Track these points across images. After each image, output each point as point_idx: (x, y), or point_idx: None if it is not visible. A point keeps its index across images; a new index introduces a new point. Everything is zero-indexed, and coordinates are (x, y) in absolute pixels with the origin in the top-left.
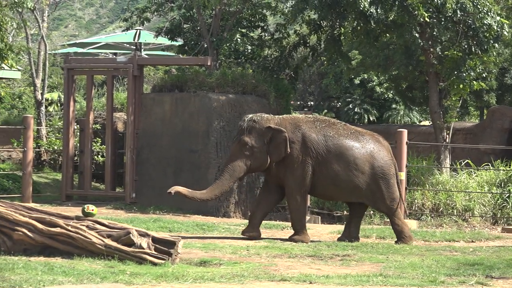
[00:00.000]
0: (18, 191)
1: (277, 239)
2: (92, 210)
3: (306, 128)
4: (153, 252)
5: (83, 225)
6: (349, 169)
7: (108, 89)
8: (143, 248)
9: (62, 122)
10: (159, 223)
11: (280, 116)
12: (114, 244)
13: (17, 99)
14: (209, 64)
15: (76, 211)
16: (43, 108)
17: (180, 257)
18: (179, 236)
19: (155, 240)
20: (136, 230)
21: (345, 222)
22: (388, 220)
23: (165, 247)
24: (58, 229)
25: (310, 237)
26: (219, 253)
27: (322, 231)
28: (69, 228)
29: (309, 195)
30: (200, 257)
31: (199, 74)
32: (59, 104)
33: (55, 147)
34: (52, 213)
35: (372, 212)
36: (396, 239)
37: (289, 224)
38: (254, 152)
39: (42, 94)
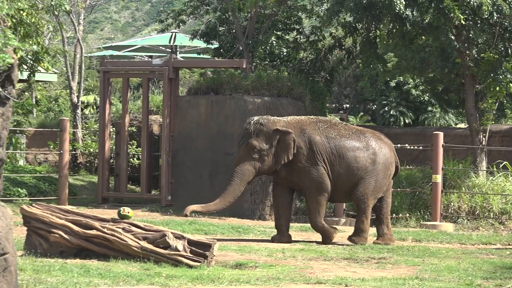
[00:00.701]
0: (55, 193)
1: (312, 241)
2: (128, 212)
3: (310, 131)
4: (189, 254)
5: (119, 228)
6: (350, 170)
7: (144, 91)
8: (179, 251)
9: (98, 124)
10: (195, 226)
11: (285, 119)
12: (150, 246)
13: (53, 102)
14: (244, 66)
15: (112, 213)
16: (79, 111)
17: (216, 259)
18: (214, 238)
19: (190, 242)
20: (172, 233)
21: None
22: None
23: (200, 250)
24: (94, 232)
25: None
26: (255, 256)
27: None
28: (105, 230)
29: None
30: (236, 260)
31: (234, 77)
32: (95, 107)
33: (91, 150)
34: (88, 215)
35: (408, 214)
36: (351, 235)
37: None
38: (262, 155)
39: (78, 97)
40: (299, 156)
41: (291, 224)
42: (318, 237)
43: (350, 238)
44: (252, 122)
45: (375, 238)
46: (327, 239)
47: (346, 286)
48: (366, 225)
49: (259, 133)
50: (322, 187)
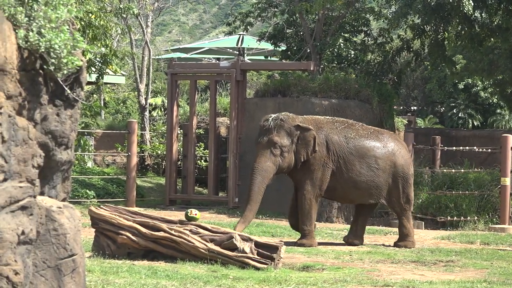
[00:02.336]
0: (122, 195)
1: (380, 244)
2: (195, 214)
3: (327, 130)
4: (256, 256)
5: (186, 229)
6: (371, 170)
7: (211, 94)
8: (246, 253)
9: (165, 127)
10: (262, 228)
11: (305, 116)
12: (217, 248)
13: (121, 104)
14: (312, 69)
15: (179, 215)
16: (147, 113)
17: (283, 262)
18: (281, 241)
19: (257, 244)
20: (239, 235)
21: (351, 221)
22: (398, 220)
23: (267, 252)
24: (161, 233)
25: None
26: (322, 258)
27: (425, 237)
28: (173, 232)
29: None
30: (303, 262)
31: (302, 79)
32: (162, 109)
33: (159, 152)
34: (155, 217)
35: (476, 217)
36: (397, 240)
37: (392, 229)
38: (283, 151)
39: (146, 99)
40: (315, 155)
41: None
42: (385, 239)
43: (396, 245)
44: (271, 118)
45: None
46: (305, 243)
47: None
48: (410, 229)
49: (280, 129)
50: (318, 190)
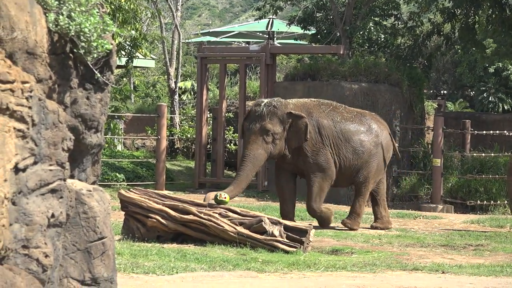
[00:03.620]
0: (152, 178)
1: (409, 228)
2: (225, 198)
3: (317, 114)
4: (285, 240)
5: (216, 213)
6: (356, 154)
7: (241, 77)
8: (275, 236)
9: (195, 110)
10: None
11: (293, 101)
12: (246, 231)
13: (151, 88)
14: (341, 52)
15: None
16: (176, 97)
17: (312, 245)
18: (311, 224)
19: (287, 228)
20: (268, 218)
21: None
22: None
23: (297, 235)
24: (191, 217)
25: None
26: (351, 242)
27: (455, 221)
28: (202, 215)
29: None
30: (332, 246)
31: (331, 63)
32: (192, 93)
33: (188, 135)
34: (185, 200)
35: (506, 201)
36: (347, 217)
37: (422, 213)
38: (275, 138)
39: (175, 82)
40: (308, 142)
41: (388, 211)
42: (415, 223)
43: (344, 222)
44: (263, 104)
45: (372, 221)
46: (324, 224)
47: (443, 273)
48: (362, 209)
49: (273, 116)
50: (327, 173)
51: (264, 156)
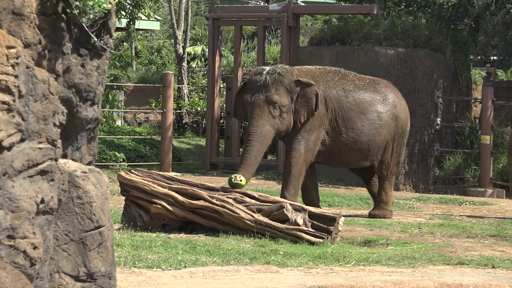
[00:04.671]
0: (157, 158)
1: (454, 216)
2: (240, 180)
3: (324, 83)
4: (310, 229)
5: (230, 198)
6: (373, 127)
7: (259, 42)
8: (299, 225)
9: (206, 79)
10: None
11: (297, 68)
12: (265, 219)
13: (156, 54)
14: (375, 13)
15: (222, 181)
16: (184, 64)
17: (341, 235)
18: (340, 211)
19: (312, 215)
20: (291, 204)
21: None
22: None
23: (323, 224)
24: (201, 202)
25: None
26: (386, 232)
27: (507, 207)
28: (214, 201)
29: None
30: (364, 236)
31: (363, 25)
32: (203, 59)
33: (198, 109)
34: (194, 183)
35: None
36: (373, 208)
37: (468, 198)
38: (282, 112)
39: (183, 47)
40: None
41: (429, 196)
42: (461, 210)
43: (371, 214)
44: (265, 72)
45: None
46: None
47: (493, 267)
48: (390, 195)
49: (279, 86)
50: (310, 154)
51: (272, 133)
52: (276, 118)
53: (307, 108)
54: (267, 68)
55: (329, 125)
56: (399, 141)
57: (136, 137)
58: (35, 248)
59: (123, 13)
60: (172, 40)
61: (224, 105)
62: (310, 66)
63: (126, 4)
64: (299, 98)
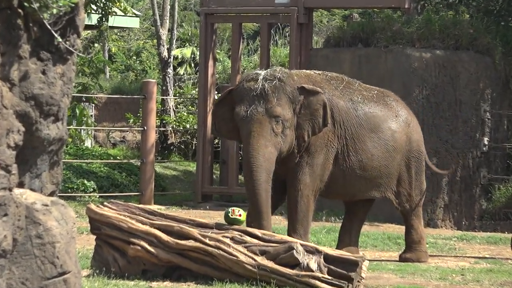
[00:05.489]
0: (135, 187)
1: (505, 258)
2: (240, 215)
3: (329, 91)
4: (326, 276)
5: (227, 237)
6: (386, 150)
7: (263, 42)
8: (312, 271)
9: (197, 90)
10: (334, 235)
11: (296, 72)
12: (270, 264)
13: (134, 58)
14: (407, 7)
15: (216, 216)
16: (170, 70)
17: (365, 283)
18: (363, 253)
19: (328, 259)
20: (302, 245)
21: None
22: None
23: (343, 269)
24: (190, 243)
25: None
26: (422, 279)
27: None
28: (207, 241)
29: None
30: (394, 284)
31: (392, 22)
32: (193, 65)
33: (187, 126)
34: (182, 219)
35: None
36: (405, 251)
37: None
38: (285, 128)
39: (169, 50)
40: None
41: (474, 234)
42: None
43: (403, 258)
44: (261, 78)
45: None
46: None
47: None
48: (421, 232)
49: (280, 95)
50: (318, 181)
51: (275, 156)
52: (278, 135)
53: (312, 122)
54: (263, 72)
55: (338, 144)
56: (418, 166)
57: (109, 161)
58: None
59: (93, 7)
60: (155, 41)
61: None
62: (308, 71)
63: None
64: (303, 109)
